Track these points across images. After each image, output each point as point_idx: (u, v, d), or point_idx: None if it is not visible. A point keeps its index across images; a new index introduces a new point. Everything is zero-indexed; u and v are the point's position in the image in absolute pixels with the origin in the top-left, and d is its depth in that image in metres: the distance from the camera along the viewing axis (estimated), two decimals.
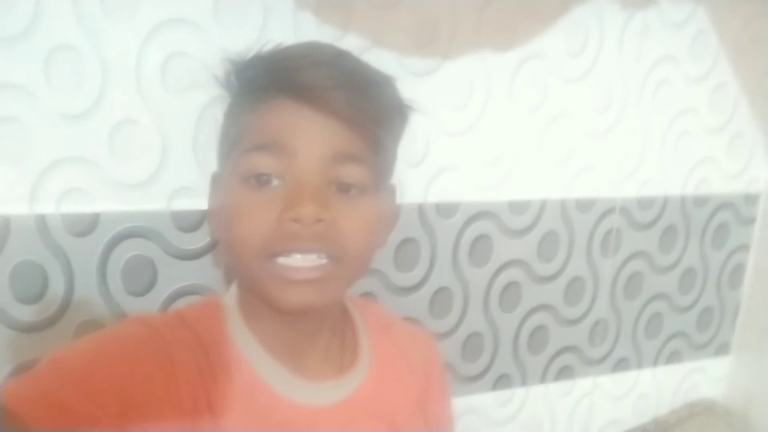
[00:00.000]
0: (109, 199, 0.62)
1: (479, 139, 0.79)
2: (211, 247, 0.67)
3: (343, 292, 0.56)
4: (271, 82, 0.50)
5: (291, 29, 0.65)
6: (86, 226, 0.62)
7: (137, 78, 0.61)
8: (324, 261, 0.49)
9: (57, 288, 0.61)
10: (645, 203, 0.92)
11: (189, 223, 0.66)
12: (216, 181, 0.57)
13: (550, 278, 0.88)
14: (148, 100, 0.62)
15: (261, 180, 0.49)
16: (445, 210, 0.79)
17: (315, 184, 0.49)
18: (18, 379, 0.46)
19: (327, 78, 0.49)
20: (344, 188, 0.50)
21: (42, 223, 0.60)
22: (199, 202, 0.65)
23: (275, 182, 0.49)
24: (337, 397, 0.54)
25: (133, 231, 0.64)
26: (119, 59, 0.60)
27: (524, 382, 0.90)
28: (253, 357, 0.52)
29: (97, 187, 0.61)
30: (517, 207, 0.83)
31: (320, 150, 0.49)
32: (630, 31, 0.84)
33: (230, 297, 0.56)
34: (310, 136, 0.49)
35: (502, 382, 0.88)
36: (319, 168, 0.49)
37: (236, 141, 0.52)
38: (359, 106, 0.49)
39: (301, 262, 0.49)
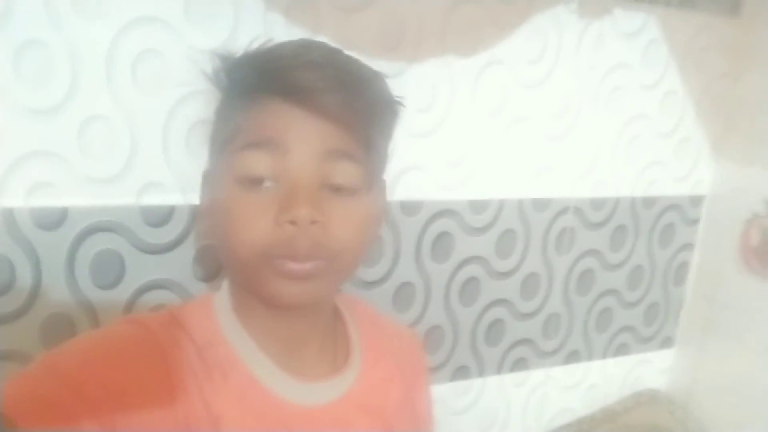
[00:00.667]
0: (77, 194, 0.62)
1: (442, 141, 0.81)
2: (180, 241, 0.68)
3: (336, 288, 0.56)
4: (264, 83, 0.50)
5: (261, 30, 0.66)
6: (54, 220, 0.62)
7: (107, 74, 0.62)
8: (319, 261, 0.49)
9: (24, 281, 0.62)
10: (597, 204, 0.96)
11: (157, 217, 0.66)
12: (207, 178, 0.56)
13: (508, 274, 0.91)
14: (118, 96, 0.62)
15: (254, 180, 0.49)
16: (409, 208, 0.81)
17: (309, 185, 0.48)
18: (10, 380, 0.45)
19: (320, 79, 0.48)
20: (337, 188, 0.50)
21: (10, 216, 0.60)
22: (167, 197, 0.66)
23: (268, 183, 0.49)
24: (331, 396, 0.54)
25: (102, 225, 0.64)
26: (90, 55, 0.61)
27: (481, 373, 0.93)
28: (247, 357, 0.52)
29: (65, 182, 0.62)
30: (478, 206, 0.86)
31: (313, 148, 0.49)
32: (586, 40, 0.87)
33: (223, 296, 0.55)
34: (304, 135, 0.49)
35: (460, 373, 0.91)
36: (312, 168, 0.49)
37: (229, 139, 0.51)
38: (352, 106, 0.49)
39: (296, 265, 0.49)
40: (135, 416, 0.45)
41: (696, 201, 1.06)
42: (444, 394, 0.90)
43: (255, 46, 0.53)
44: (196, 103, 0.65)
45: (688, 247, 1.07)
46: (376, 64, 0.72)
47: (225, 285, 0.56)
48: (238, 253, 0.49)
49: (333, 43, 0.69)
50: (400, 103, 0.56)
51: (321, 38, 0.69)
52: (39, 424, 0.41)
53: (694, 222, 1.07)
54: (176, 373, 0.48)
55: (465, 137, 0.83)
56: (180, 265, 0.68)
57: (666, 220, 1.04)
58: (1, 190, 0.59)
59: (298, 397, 0.52)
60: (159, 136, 0.65)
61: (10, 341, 0.62)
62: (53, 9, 0.58)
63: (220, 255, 0.56)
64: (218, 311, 0.54)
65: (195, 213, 0.68)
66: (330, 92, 0.48)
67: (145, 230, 0.66)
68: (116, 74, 0.62)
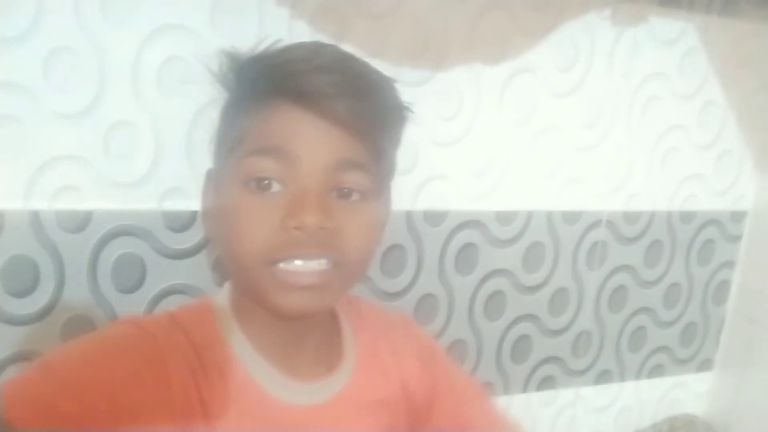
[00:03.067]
0: (102, 198, 0.63)
1: (468, 149, 0.80)
2: (201, 247, 0.68)
3: (341, 296, 0.56)
4: (274, 86, 0.49)
5: (286, 37, 0.65)
6: (79, 223, 0.63)
7: (133, 80, 0.63)
8: (325, 267, 0.49)
9: (48, 283, 0.63)
10: (631, 217, 0.93)
11: (179, 223, 0.67)
12: (211, 177, 0.56)
13: (535, 288, 0.89)
14: (143, 102, 0.63)
15: (262, 184, 0.49)
16: (433, 218, 0.80)
17: (318, 192, 0.48)
18: (8, 382, 0.46)
19: (331, 85, 0.48)
20: (346, 194, 0.50)
21: (35, 218, 0.61)
22: (189, 203, 0.67)
23: (276, 187, 0.49)
24: (327, 396, 0.54)
25: (125, 229, 0.65)
26: (117, 62, 0.62)
27: (506, 391, 0.91)
28: (245, 358, 0.52)
29: (90, 186, 0.63)
30: (504, 217, 0.84)
31: (324, 157, 0.49)
32: (620, 48, 0.85)
33: (223, 298, 0.56)
34: (314, 142, 0.49)
35: (484, 390, 0.88)
36: (322, 175, 0.49)
37: (237, 143, 0.51)
38: (363, 113, 0.49)
39: (302, 268, 0.48)
40: (132, 417, 0.45)
41: (738, 216, 1.02)
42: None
43: (264, 46, 0.53)
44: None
45: (728, 264, 1.03)
46: (401, 71, 0.73)
47: (226, 287, 0.56)
48: (242, 257, 0.49)
49: (359, 51, 0.70)
50: (408, 109, 0.56)
51: (346, 45, 0.69)
52: (37, 426, 0.41)
53: (736, 238, 1.03)
54: (175, 374, 0.48)
55: (492, 146, 0.81)
56: (200, 271, 0.69)
57: (705, 236, 1.00)
58: (28, 192, 0.61)
59: (295, 398, 0.53)
60: (183, 141, 0.66)
61: (32, 342, 0.63)
62: (82, 16, 0.60)
63: (224, 259, 0.56)
64: (217, 313, 0.54)
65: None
66: (341, 98, 0.48)
67: (166, 235, 0.67)
68: (142, 80, 0.63)
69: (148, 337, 0.50)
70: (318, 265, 0.49)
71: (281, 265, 0.48)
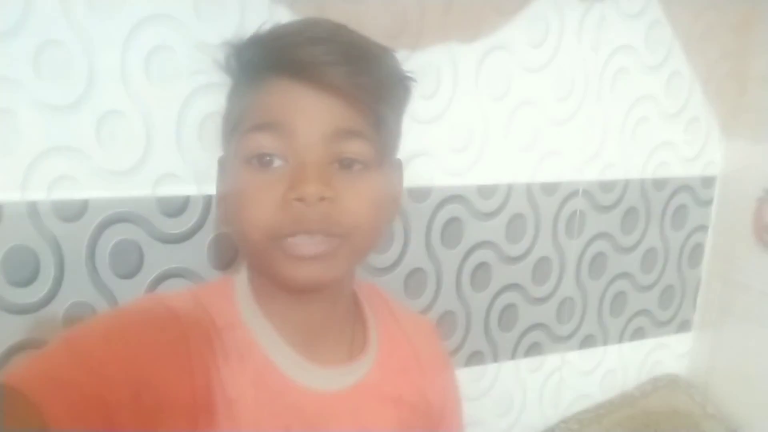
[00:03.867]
0: (96, 186, 0.65)
1: (448, 127, 0.82)
2: (195, 230, 0.70)
3: (351, 268, 0.55)
4: (269, 61, 0.49)
5: (267, 20, 0.67)
6: (75, 211, 0.64)
7: (122, 70, 0.64)
8: (330, 238, 0.48)
9: (48, 271, 0.64)
10: (607, 186, 0.96)
11: (173, 208, 0.68)
12: (222, 164, 0.56)
13: (519, 258, 0.92)
14: (132, 91, 0.65)
15: (263, 161, 0.48)
16: (418, 194, 0.82)
17: (317, 163, 0.48)
18: (29, 359, 0.44)
19: (324, 53, 0.47)
20: (347, 164, 0.49)
21: (33, 209, 0.63)
22: (182, 188, 0.68)
23: (277, 162, 0.48)
24: (346, 383, 0.54)
25: (120, 216, 0.66)
26: (105, 53, 0.63)
27: (496, 359, 0.93)
28: (264, 340, 0.52)
29: (85, 175, 0.64)
30: (486, 191, 0.87)
31: (321, 127, 0.48)
32: (588, 23, 0.88)
33: (242, 280, 0.55)
34: (310, 113, 0.48)
35: (474, 358, 0.92)
36: (320, 146, 0.48)
37: (237, 123, 0.51)
38: (358, 80, 0.48)
39: (308, 241, 0.48)
40: (154, 395, 0.45)
41: (708, 182, 1.05)
42: (458, 380, 0.89)
43: (262, 28, 0.53)
44: (208, 96, 0.67)
45: (701, 228, 1.07)
46: None
47: (244, 269, 0.56)
48: (249, 234, 0.49)
49: None
50: (411, 79, 0.54)
51: None
52: (55, 403, 0.40)
53: (707, 203, 1.06)
54: (196, 353, 0.48)
55: (470, 122, 0.84)
56: (196, 254, 0.70)
57: (678, 202, 1.03)
58: (24, 183, 0.62)
59: (313, 382, 0.52)
60: (173, 128, 0.67)
61: (35, 330, 0.64)
62: (69, 10, 0.61)
63: (235, 239, 0.55)
64: (238, 294, 0.54)
65: (211, 202, 0.69)
66: (335, 66, 0.47)
67: (161, 220, 0.68)
68: (130, 70, 0.64)
69: (171, 315, 0.49)
70: (323, 238, 0.48)
71: (288, 240, 0.48)
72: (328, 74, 0.47)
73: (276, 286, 0.51)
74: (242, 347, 0.51)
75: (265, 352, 0.52)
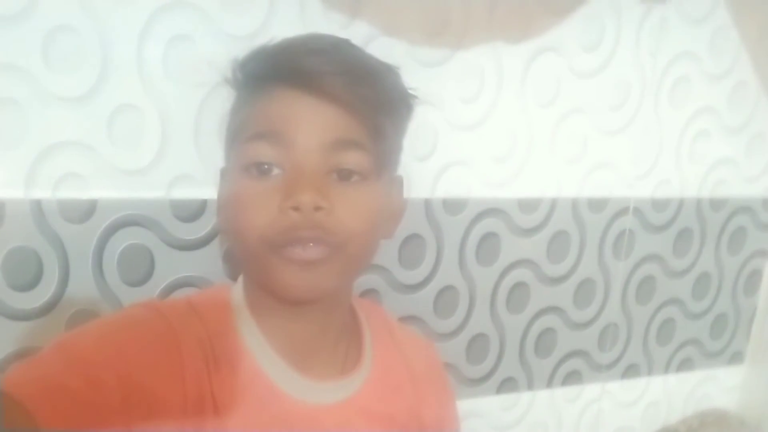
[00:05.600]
0: (106, 186, 0.62)
1: (489, 134, 0.78)
2: (211, 237, 0.66)
3: (345, 281, 0.56)
4: (271, 72, 0.51)
5: (297, 15, 0.64)
6: (83, 212, 0.61)
7: (138, 61, 0.60)
8: (324, 248, 0.50)
9: (51, 276, 0.61)
10: (660, 204, 0.91)
11: (188, 212, 0.65)
12: (223, 175, 0.57)
13: (560, 279, 0.87)
14: (149, 84, 0.61)
15: (261, 169, 0.50)
16: (453, 206, 0.78)
17: (314, 172, 0.49)
18: (22, 364, 0.46)
19: (324, 63, 0.49)
20: (345, 175, 0.50)
21: (37, 208, 0.59)
22: (199, 191, 0.65)
23: (276, 171, 0.50)
24: (336, 398, 0.55)
25: (131, 219, 0.63)
26: (120, 42, 0.60)
27: (530, 386, 0.89)
28: (256, 350, 0.53)
29: (94, 173, 0.61)
30: (527, 205, 0.82)
31: (319, 137, 0.49)
32: (647, 26, 0.83)
33: (238, 289, 0.56)
34: (309, 123, 0.49)
35: (507, 385, 0.87)
36: (318, 155, 0.49)
37: (238, 132, 0.53)
38: (358, 90, 0.50)
39: (301, 250, 0.49)
40: (145, 401, 0.46)
41: None
42: (489, 408, 0.86)
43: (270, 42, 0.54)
44: (229, 93, 0.62)
45: (760, 253, 1.01)
46: (418, 51, 0.71)
47: (241, 278, 0.56)
48: (245, 241, 0.50)
49: (373, 29, 0.68)
50: (414, 97, 0.56)
51: (360, 23, 0.68)
52: (47, 408, 0.41)
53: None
54: (188, 360, 0.49)
55: (514, 130, 0.79)
56: (211, 262, 0.67)
57: (736, 224, 0.98)
58: (29, 181, 0.59)
59: (302, 395, 0.53)
60: (191, 126, 0.64)
61: (36, 339, 0.61)
62: None
63: (232, 247, 0.56)
64: (233, 303, 0.55)
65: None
66: (335, 75, 0.49)
67: (175, 225, 0.65)
68: (147, 61, 0.61)
69: (164, 322, 0.50)
70: (316, 249, 0.49)
71: (283, 248, 0.49)
72: (328, 84, 0.49)
73: (271, 296, 0.52)
74: (234, 356, 0.52)
75: (257, 362, 0.52)
